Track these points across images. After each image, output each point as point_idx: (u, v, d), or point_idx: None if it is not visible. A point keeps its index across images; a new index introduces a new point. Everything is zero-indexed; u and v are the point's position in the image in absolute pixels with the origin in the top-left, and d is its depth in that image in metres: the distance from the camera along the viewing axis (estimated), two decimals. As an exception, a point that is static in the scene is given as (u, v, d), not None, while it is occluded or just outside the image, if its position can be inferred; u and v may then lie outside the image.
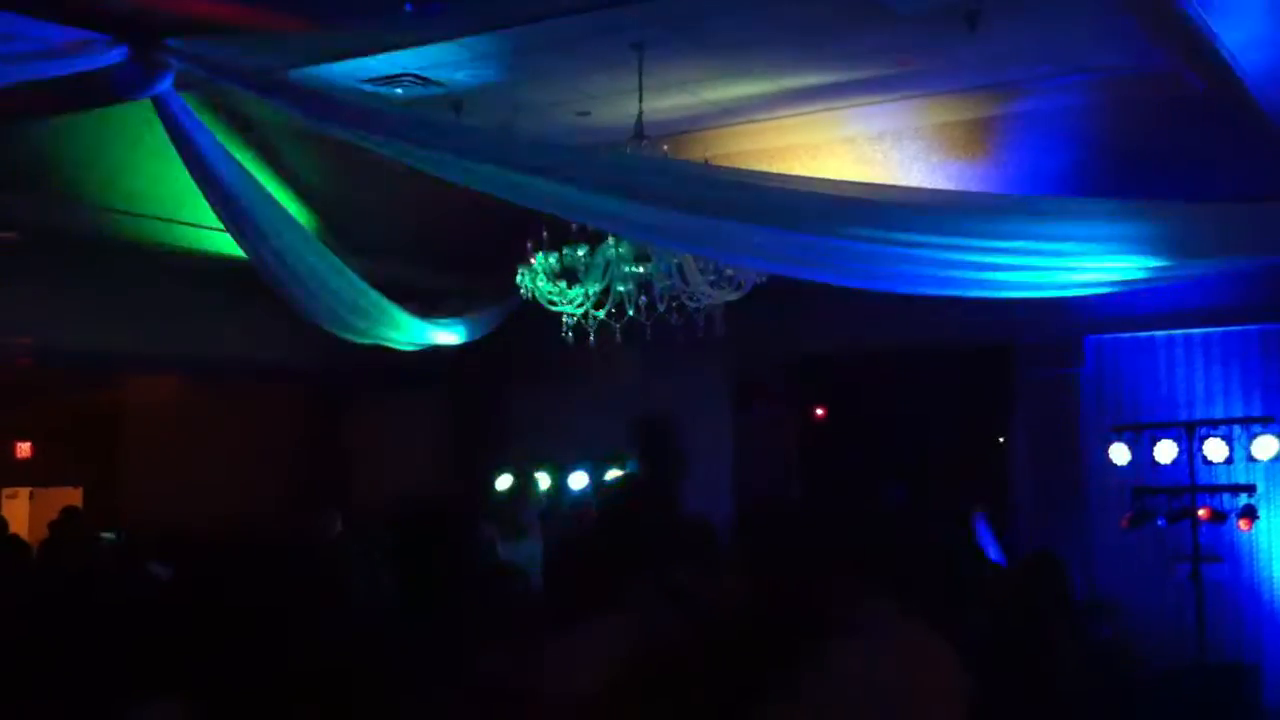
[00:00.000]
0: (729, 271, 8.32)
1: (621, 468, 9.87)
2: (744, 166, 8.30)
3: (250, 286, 9.25)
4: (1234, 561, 9.68)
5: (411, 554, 5.63)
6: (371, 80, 8.12)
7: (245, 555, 4.00)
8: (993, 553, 8.83)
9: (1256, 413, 9.60)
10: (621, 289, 8.42)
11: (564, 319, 8.70)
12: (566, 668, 3.42)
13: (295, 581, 3.67)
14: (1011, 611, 6.00)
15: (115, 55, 6.49)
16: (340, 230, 10.01)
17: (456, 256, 10.91)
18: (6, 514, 10.86)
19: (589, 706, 3.26)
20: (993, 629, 5.18)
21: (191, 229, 9.38)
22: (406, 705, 3.20)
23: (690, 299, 8.45)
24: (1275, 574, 9.65)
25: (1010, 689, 4.58)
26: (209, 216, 8.43)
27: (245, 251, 8.28)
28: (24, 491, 15.53)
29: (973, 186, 8.96)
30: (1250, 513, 9.22)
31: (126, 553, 7.81)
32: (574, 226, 8.05)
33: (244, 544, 3.97)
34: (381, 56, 7.56)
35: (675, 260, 8.30)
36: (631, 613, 3.47)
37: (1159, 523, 9.38)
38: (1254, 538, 9.58)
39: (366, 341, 9.74)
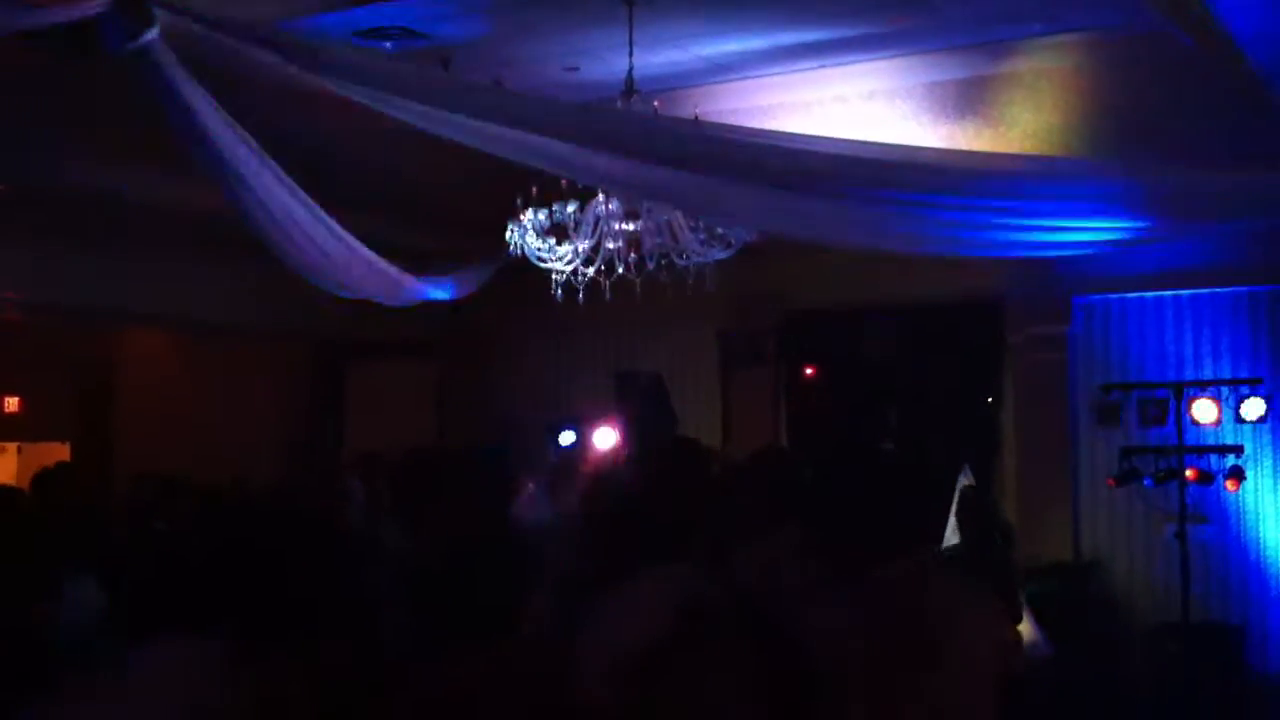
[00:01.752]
0: (719, 229, 8.30)
1: (611, 427, 9.85)
2: (735, 124, 8.25)
3: (242, 243, 9.20)
4: (1221, 522, 9.72)
5: (438, 507, 5.59)
6: (361, 33, 8.06)
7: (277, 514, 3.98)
8: None
9: (1244, 374, 9.62)
10: (611, 246, 8.40)
11: (553, 276, 8.68)
12: (616, 623, 3.43)
13: (325, 537, 3.69)
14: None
15: (100, 5, 6.42)
16: (327, 185, 9.95)
17: (444, 212, 10.87)
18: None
19: (636, 663, 3.26)
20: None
21: (179, 184, 9.32)
22: (444, 667, 3.20)
23: (680, 256, 8.43)
24: (1262, 535, 9.70)
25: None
26: (196, 172, 8.37)
27: (232, 204, 8.22)
28: (12, 446, 15.54)
29: (964, 146, 8.92)
30: (1238, 474, 9.25)
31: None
32: (563, 183, 8.01)
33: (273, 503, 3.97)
34: (370, 8, 7.50)
35: (665, 218, 8.29)
36: (681, 568, 3.49)
37: (1145, 483, 9.41)
38: (1241, 499, 9.62)
39: (355, 297, 9.70)
